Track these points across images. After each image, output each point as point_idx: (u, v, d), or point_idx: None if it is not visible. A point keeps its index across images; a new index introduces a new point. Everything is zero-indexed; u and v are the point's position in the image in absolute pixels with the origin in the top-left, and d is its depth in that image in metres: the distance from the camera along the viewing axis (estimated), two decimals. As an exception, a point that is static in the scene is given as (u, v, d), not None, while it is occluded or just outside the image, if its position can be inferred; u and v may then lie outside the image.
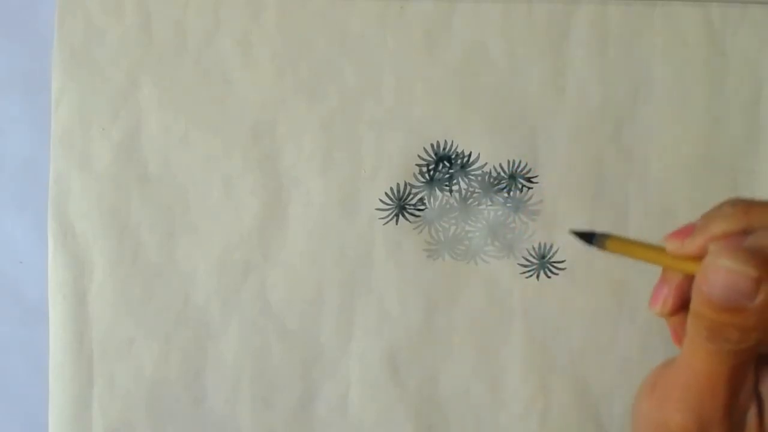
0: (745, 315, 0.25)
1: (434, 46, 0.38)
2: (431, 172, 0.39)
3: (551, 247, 0.39)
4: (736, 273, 0.25)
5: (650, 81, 0.38)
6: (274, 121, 0.39)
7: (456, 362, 0.39)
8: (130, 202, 0.39)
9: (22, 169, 0.41)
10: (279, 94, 0.39)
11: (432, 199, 0.39)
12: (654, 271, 0.31)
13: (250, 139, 0.39)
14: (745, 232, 0.27)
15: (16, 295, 0.41)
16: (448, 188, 0.39)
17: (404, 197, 0.39)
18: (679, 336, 0.29)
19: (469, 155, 0.39)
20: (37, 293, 0.41)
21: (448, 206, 0.39)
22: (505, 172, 0.39)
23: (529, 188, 0.39)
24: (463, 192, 0.39)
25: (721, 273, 0.25)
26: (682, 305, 0.28)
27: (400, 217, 0.39)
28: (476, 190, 0.39)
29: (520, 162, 0.39)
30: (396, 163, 0.39)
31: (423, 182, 0.39)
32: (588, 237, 0.35)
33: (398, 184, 0.39)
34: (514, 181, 0.39)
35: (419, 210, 0.39)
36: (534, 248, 0.39)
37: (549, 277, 0.39)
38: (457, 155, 0.39)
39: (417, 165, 0.39)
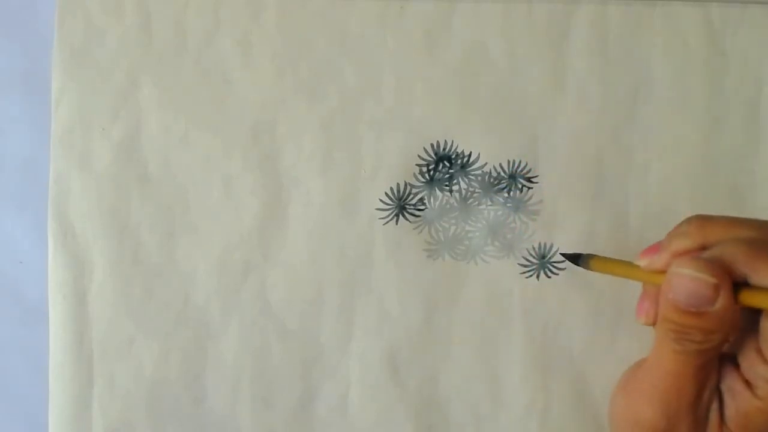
0: (707, 318, 0.27)
1: (434, 46, 0.38)
2: (431, 172, 0.39)
3: (551, 247, 0.39)
4: (697, 280, 0.27)
5: (650, 81, 0.38)
6: (274, 121, 0.39)
7: (456, 362, 0.39)
8: (130, 202, 0.39)
9: (22, 169, 0.41)
10: (279, 94, 0.39)
11: (432, 199, 0.39)
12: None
13: (250, 139, 0.39)
14: (704, 247, 0.29)
15: (16, 295, 0.41)
16: (448, 188, 0.39)
17: (404, 197, 0.39)
18: None
19: (469, 155, 0.39)
20: (37, 293, 0.41)
21: (448, 206, 0.39)
22: (505, 172, 0.39)
23: (529, 188, 0.39)
24: (463, 192, 0.39)
25: (684, 280, 0.27)
26: None
27: (400, 217, 0.39)
28: (476, 190, 0.39)
29: (520, 162, 0.39)
30: (396, 163, 0.39)
31: (423, 182, 0.39)
32: (574, 258, 0.37)
33: (398, 184, 0.39)
34: (514, 181, 0.39)
35: (419, 210, 0.39)
36: (534, 248, 0.39)
37: (549, 277, 0.39)
38: (457, 155, 0.39)
39: (417, 165, 0.39)
